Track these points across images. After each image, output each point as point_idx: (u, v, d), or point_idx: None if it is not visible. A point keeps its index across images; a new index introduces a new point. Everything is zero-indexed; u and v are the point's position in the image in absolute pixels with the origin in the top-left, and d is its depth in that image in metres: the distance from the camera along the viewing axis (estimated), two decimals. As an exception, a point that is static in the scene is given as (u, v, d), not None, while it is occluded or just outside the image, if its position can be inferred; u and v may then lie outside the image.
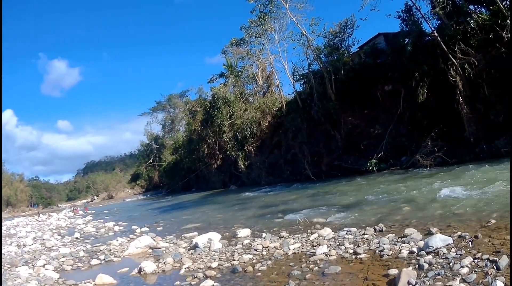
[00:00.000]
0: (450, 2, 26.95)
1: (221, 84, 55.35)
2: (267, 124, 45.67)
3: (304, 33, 38.71)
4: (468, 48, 26.19)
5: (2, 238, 23.65)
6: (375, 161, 30.06)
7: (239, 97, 51.33)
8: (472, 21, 27.16)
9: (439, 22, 29.90)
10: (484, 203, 11.40)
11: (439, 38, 26.89)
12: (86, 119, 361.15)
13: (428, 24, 29.00)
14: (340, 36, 38.41)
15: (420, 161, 26.14)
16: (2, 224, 35.60)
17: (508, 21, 23.65)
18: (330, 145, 35.73)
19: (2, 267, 12.29)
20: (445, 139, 26.78)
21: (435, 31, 27.60)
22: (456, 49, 26.38)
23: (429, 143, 26.60)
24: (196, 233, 15.86)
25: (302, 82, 41.86)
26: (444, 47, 26.60)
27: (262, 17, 41.95)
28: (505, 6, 25.27)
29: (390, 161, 29.73)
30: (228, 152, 49.31)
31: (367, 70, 34.09)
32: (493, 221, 8.95)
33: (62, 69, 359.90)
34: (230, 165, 53.19)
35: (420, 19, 30.89)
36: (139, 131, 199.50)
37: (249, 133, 45.98)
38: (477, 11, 28.58)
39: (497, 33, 24.39)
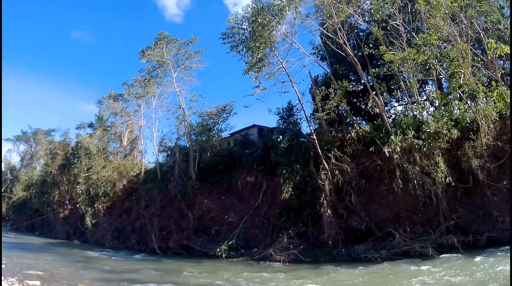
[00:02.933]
0: (335, 110, 28.68)
1: (87, 134, 53.74)
2: (121, 187, 44.46)
3: (183, 106, 39.07)
4: (343, 155, 27.69)
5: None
6: (225, 248, 29.79)
7: (101, 152, 49.62)
8: (353, 131, 29.06)
9: (318, 126, 31.53)
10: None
11: (316, 142, 27.91)
12: None
13: (309, 126, 29.93)
14: (215, 118, 39.37)
15: (272, 256, 26.24)
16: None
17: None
18: (182, 223, 35.04)
19: None
20: (302, 238, 27.50)
21: (313, 134, 28.51)
22: (331, 155, 27.77)
23: (285, 240, 27.09)
24: (39, 282, 15.41)
25: (166, 155, 41.51)
26: (319, 151, 27.71)
27: (147, 79, 41.75)
28: (390, 123, 27.49)
29: (241, 250, 29.62)
30: (78, 205, 46.85)
31: (233, 157, 34.89)
32: None
33: None
34: (78, 219, 50.35)
35: (300, 120, 32.74)
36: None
37: (102, 191, 44.09)
38: (358, 122, 30.89)
39: (377, 147, 26.03)
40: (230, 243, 30.18)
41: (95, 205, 44.64)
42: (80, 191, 47.35)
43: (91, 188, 45.63)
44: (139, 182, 42.21)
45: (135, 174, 45.16)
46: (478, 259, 18.87)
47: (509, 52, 24.55)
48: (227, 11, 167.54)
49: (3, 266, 19.72)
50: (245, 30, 30.34)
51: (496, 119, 25.64)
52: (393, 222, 25.69)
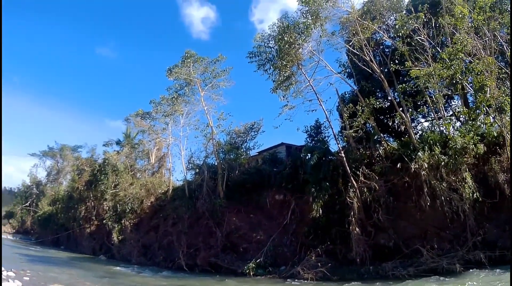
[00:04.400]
0: (363, 127, 29.05)
1: (115, 151, 54.76)
2: (149, 204, 45.14)
3: (211, 124, 39.63)
4: (371, 173, 27.91)
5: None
6: (253, 265, 30.04)
7: (128, 169, 50.55)
8: (380, 148, 29.49)
9: (346, 143, 31.91)
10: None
11: (344, 160, 28.36)
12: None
13: (337, 144, 30.44)
14: (243, 137, 39.87)
15: (300, 273, 26.51)
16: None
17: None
18: (210, 241, 35.36)
19: None
20: (330, 256, 27.70)
21: (342, 152, 28.95)
22: (359, 172, 28.03)
23: (313, 258, 27.32)
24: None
25: (194, 172, 41.99)
26: (348, 168, 28.08)
27: (175, 97, 42.50)
28: (416, 139, 27.70)
29: (269, 268, 29.84)
30: (104, 221, 47.64)
31: (261, 176, 35.37)
32: None
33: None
34: (104, 235, 51.09)
35: (328, 138, 33.21)
36: (23, 170, 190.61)
37: (130, 208, 44.92)
38: (386, 139, 31.30)
39: (404, 163, 26.26)
40: (258, 261, 30.46)
41: (122, 221, 45.32)
42: (107, 208, 48.23)
43: (118, 205, 46.35)
44: (167, 200, 42.79)
45: (162, 191, 45.79)
46: (503, 274, 19.06)
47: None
48: (253, 29, 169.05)
49: (27, 278, 20.54)
50: (272, 49, 30.98)
51: (523, 132, 25.70)
52: (421, 239, 25.76)
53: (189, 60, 41.27)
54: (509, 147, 24.57)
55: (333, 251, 28.02)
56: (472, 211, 23.81)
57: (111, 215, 46.85)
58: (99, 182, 50.06)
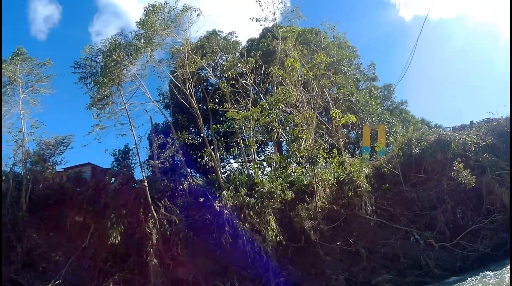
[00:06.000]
0: (171, 160, 28.94)
1: None
2: None
3: (23, 130, 37.02)
4: (173, 206, 27.94)
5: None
6: (51, 287, 28.16)
7: None
8: (185, 182, 29.38)
9: (151, 173, 31.86)
10: None
11: (147, 189, 28.02)
12: None
13: (142, 172, 30.17)
14: (52, 150, 37.83)
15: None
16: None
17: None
18: (11, 255, 32.48)
19: None
20: (128, 285, 27.31)
21: (145, 181, 28.69)
22: (161, 204, 27.94)
23: (111, 285, 26.65)
24: None
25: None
26: (150, 198, 27.80)
27: (-9, 95, 39.31)
28: (223, 179, 28.91)
29: (70, 290, 28.10)
30: None
31: (64, 194, 33.97)
32: None
33: None
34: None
35: (134, 165, 32.72)
36: None
37: None
38: (192, 174, 31.60)
39: (208, 200, 26.86)
40: (56, 282, 29.13)
41: None
42: None
43: None
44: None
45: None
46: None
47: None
48: (89, 40, 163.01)
49: None
50: (98, 64, 30.46)
51: (334, 184, 27.32)
52: (221, 275, 26.28)
53: (18, 57, 38.53)
54: (319, 198, 25.96)
55: (131, 281, 27.55)
56: (275, 253, 24.83)
57: None
58: None
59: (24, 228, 33.03)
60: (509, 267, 19.81)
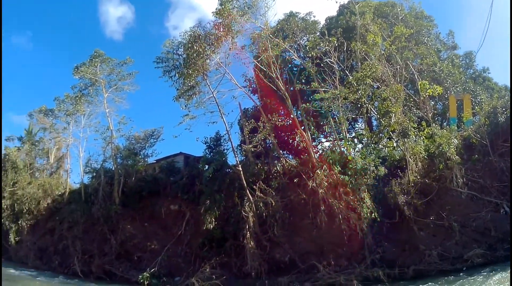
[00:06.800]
0: (263, 143, 29.15)
1: (15, 147, 51.97)
2: (46, 205, 42.93)
3: (111, 128, 38.70)
4: (268, 188, 28.10)
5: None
6: (147, 275, 29.35)
7: (27, 168, 47.92)
8: (279, 164, 29.80)
9: (244, 158, 32.22)
10: None
11: (241, 173, 28.30)
12: None
13: (235, 157, 30.29)
14: (142, 143, 39.07)
15: (195, 285, 26.17)
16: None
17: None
18: (105, 247, 34.28)
19: None
20: (225, 268, 27.57)
21: (239, 166, 28.97)
22: (256, 187, 28.18)
23: (208, 270, 27.04)
24: None
25: (91, 176, 40.49)
26: (244, 182, 28.11)
27: (79, 96, 41.03)
28: (316, 158, 28.13)
29: (163, 279, 29.37)
30: (2, 220, 45.31)
31: (157, 184, 34.86)
32: None
33: None
34: (1, 235, 48.73)
35: (227, 150, 33.06)
36: None
37: (27, 208, 42.47)
38: (285, 155, 31.72)
39: (302, 181, 26.56)
40: (152, 270, 29.86)
41: (19, 222, 42.97)
42: (5, 206, 45.43)
43: (16, 204, 43.89)
44: (63, 202, 41.14)
45: (60, 193, 43.80)
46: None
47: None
48: (167, 34, 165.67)
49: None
50: (180, 56, 30.85)
51: (425, 157, 26.71)
52: (317, 255, 26.12)
53: (97, 59, 40.25)
54: (412, 172, 25.53)
55: (228, 264, 27.93)
56: (370, 230, 24.54)
57: (9, 215, 44.27)
58: (-2, 179, 46.87)
59: (117, 220, 34.54)
60: None
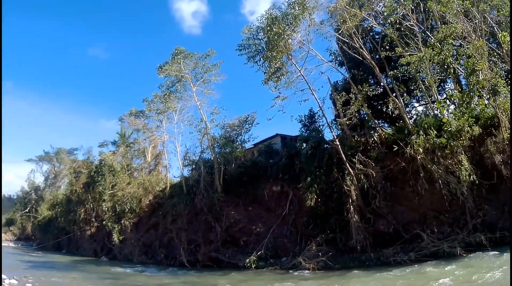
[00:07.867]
0: (357, 115, 29.19)
1: (110, 151, 54.64)
2: (147, 202, 45.18)
3: (204, 119, 39.71)
4: (367, 159, 27.95)
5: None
6: (254, 258, 30.12)
7: (125, 169, 50.46)
8: (375, 134, 29.63)
9: (340, 131, 32.11)
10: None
11: (339, 147, 28.41)
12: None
13: (332, 132, 30.47)
14: (238, 130, 40.10)
15: (302, 264, 26.59)
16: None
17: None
18: (210, 236, 35.49)
19: None
20: (331, 245, 27.78)
21: (336, 140, 29.04)
22: (355, 159, 28.08)
23: (314, 247, 27.36)
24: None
25: (191, 168, 42.01)
26: (343, 156, 28.15)
27: (167, 94, 42.65)
28: (411, 124, 27.90)
29: (270, 260, 29.87)
30: (104, 222, 47.68)
31: (257, 168, 35.58)
32: None
33: None
34: (105, 236, 50.96)
35: (322, 126, 33.42)
36: (21, 176, 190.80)
37: (128, 207, 45.00)
38: (380, 125, 31.54)
39: (400, 149, 26.30)
40: (259, 253, 30.52)
41: (122, 221, 45.43)
42: (106, 208, 47.96)
43: (116, 205, 46.45)
44: (165, 197, 42.76)
45: (160, 189, 45.80)
46: (505, 256, 19.06)
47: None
48: (245, 20, 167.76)
49: (29, 285, 20.49)
50: (261, 40, 31.00)
51: (517, 112, 25.63)
52: (420, 223, 25.82)
53: (179, 56, 41.42)
54: (505, 129, 24.51)
55: (333, 240, 28.04)
56: (470, 194, 23.76)
57: (111, 216, 46.87)
58: (97, 184, 49.80)
59: (221, 208, 35.53)
60: None
